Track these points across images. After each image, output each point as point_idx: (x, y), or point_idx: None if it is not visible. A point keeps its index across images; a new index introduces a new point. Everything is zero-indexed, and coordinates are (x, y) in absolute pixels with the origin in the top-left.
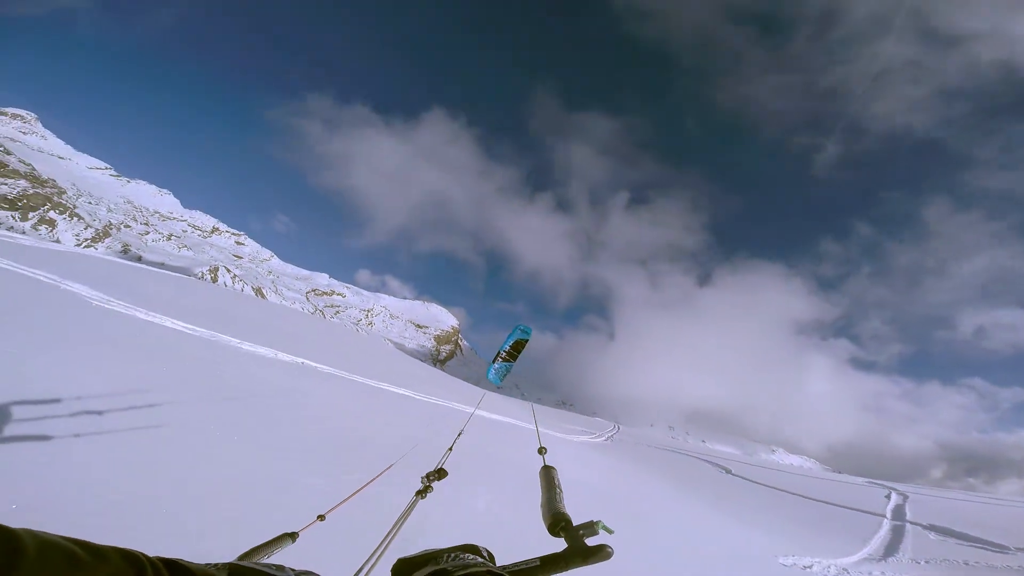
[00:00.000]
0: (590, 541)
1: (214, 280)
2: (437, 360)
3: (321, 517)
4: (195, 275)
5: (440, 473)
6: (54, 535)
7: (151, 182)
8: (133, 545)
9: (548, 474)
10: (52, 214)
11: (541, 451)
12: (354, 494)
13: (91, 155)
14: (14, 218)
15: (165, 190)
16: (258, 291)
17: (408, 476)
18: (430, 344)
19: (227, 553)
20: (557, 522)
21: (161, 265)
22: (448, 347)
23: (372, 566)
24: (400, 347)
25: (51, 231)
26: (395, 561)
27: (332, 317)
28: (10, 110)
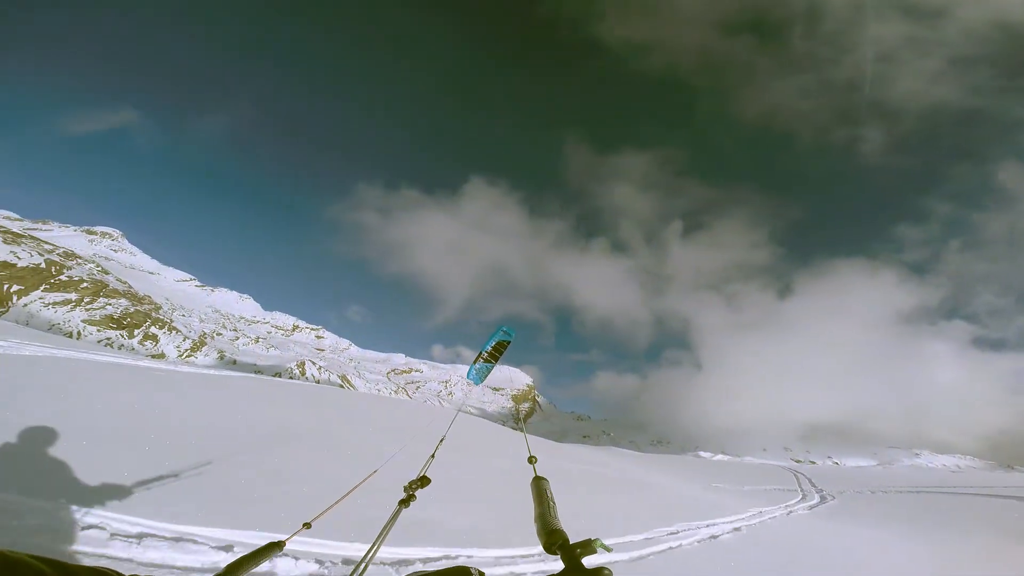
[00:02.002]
0: (588, 560)
1: (302, 373)
2: (518, 419)
3: (307, 525)
4: (286, 370)
5: (423, 481)
6: (20, 552)
7: (232, 288)
8: None
9: (539, 486)
10: (153, 329)
11: (531, 460)
12: (338, 501)
13: (176, 268)
14: (122, 336)
15: (246, 295)
16: (343, 378)
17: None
18: (509, 404)
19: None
20: (553, 540)
21: (254, 365)
22: (527, 405)
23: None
24: (482, 411)
25: (155, 345)
26: None
27: (414, 393)
28: (99, 228)
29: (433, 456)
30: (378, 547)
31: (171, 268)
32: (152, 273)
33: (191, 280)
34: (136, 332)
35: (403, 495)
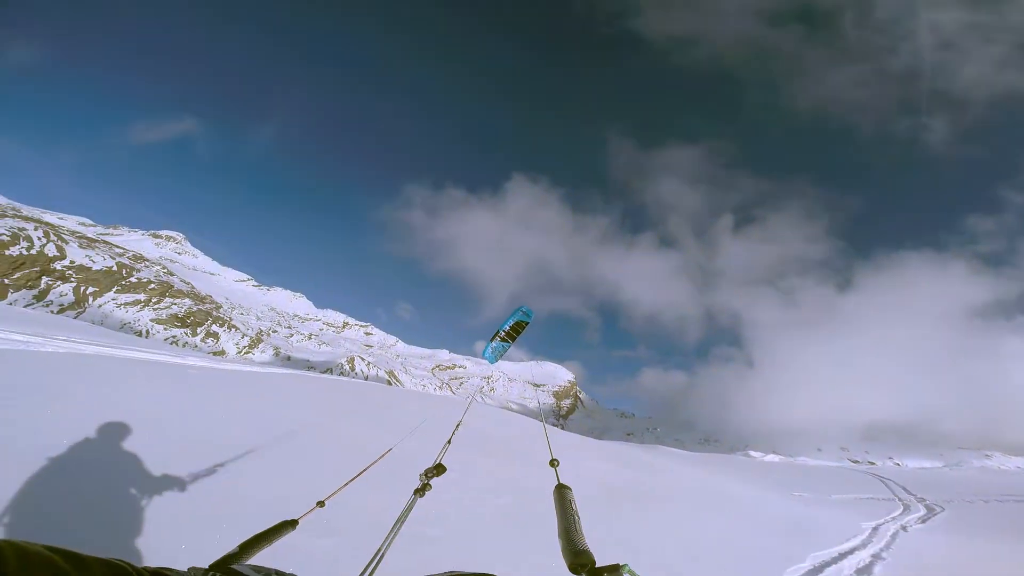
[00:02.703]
0: None
1: (352, 369)
2: (559, 416)
3: (321, 503)
4: (337, 366)
5: (439, 469)
6: (35, 544)
7: (286, 288)
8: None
9: (563, 496)
10: (214, 327)
11: (553, 463)
12: (352, 480)
13: (235, 268)
14: (186, 334)
15: (299, 293)
16: (390, 373)
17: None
18: (550, 401)
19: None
20: (580, 561)
21: (307, 362)
22: (568, 401)
23: (374, 568)
24: (523, 407)
25: (216, 342)
26: None
27: (457, 389)
28: (164, 232)
29: (449, 442)
30: (393, 537)
31: (230, 269)
32: (213, 274)
33: (248, 280)
34: (199, 330)
35: (419, 483)
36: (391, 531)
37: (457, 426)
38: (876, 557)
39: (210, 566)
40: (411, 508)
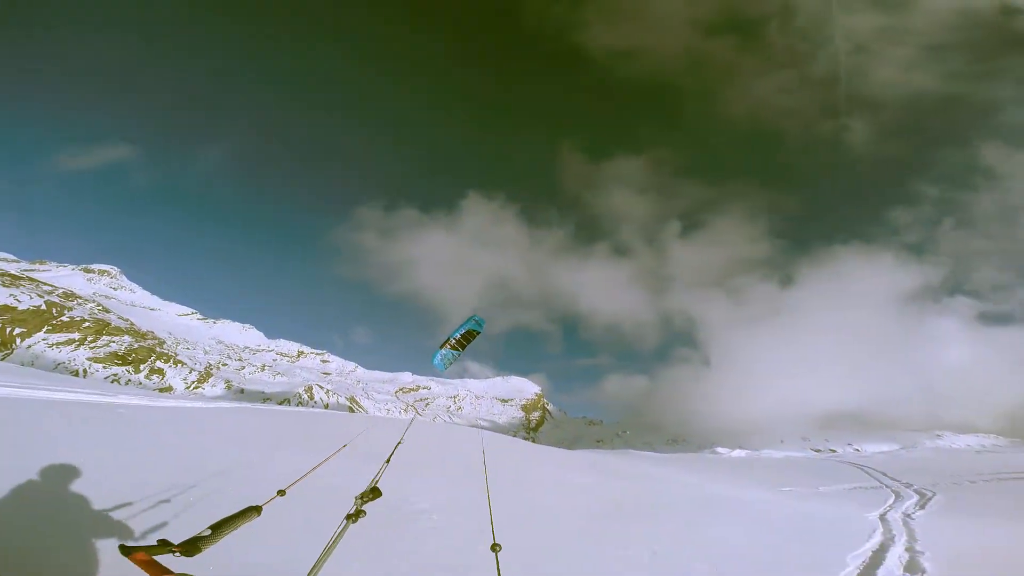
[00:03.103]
0: None
1: (311, 398)
2: (529, 429)
3: (281, 492)
4: (295, 395)
5: (375, 493)
6: None
7: (234, 320)
8: None
9: None
10: (159, 363)
11: (495, 548)
12: (312, 470)
13: (177, 302)
14: (129, 372)
15: (248, 325)
16: (352, 400)
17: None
18: (520, 415)
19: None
20: None
21: (261, 393)
22: (537, 414)
23: None
24: (493, 423)
25: (162, 378)
26: None
27: (423, 410)
28: (96, 266)
29: (388, 461)
30: (321, 565)
31: (172, 303)
32: (153, 309)
33: (193, 314)
34: (142, 367)
35: (352, 509)
36: (320, 558)
37: (397, 445)
38: (912, 551)
39: (179, 544)
40: (343, 534)
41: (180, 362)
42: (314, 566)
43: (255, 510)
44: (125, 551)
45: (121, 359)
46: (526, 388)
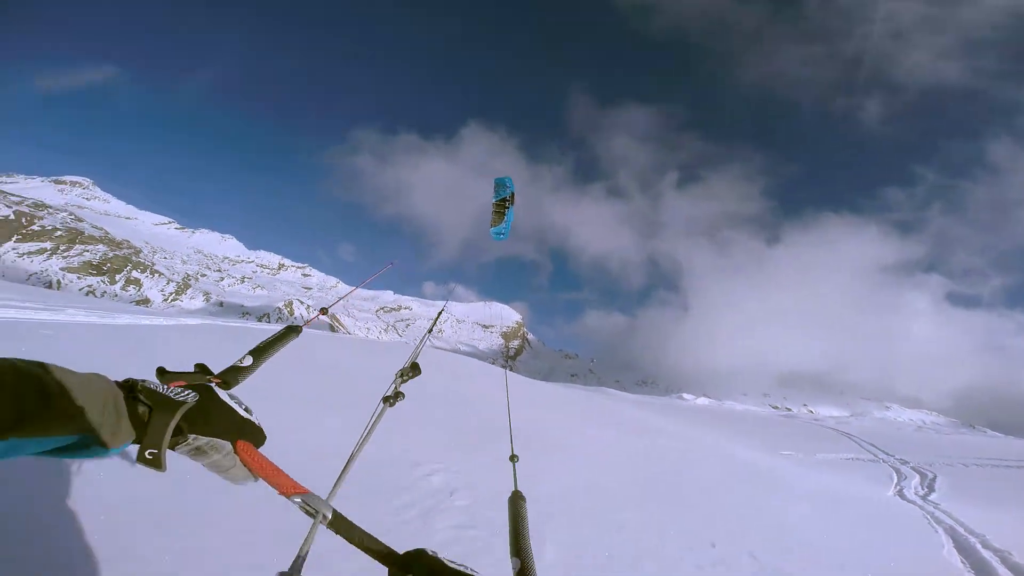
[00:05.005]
0: None
1: (291, 313)
2: (508, 357)
3: (324, 311)
4: (275, 310)
5: (415, 369)
6: (27, 361)
7: (213, 229)
8: None
9: (516, 507)
10: (135, 273)
11: (513, 459)
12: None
13: (153, 212)
14: (104, 282)
15: (228, 235)
16: (333, 317)
17: None
18: (499, 342)
19: None
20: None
21: (241, 307)
22: (516, 342)
23: (341, 479)
24: (474, 348)
25: (139, 290)
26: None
27: (404, 331)
28: (68, 178)
29: (422, 343)
30: (360, 448)
31: (148, 212)
32: (128, 218)
33: (170, 223)
34: (117, 277)
35: (390, 390)
36: (360, 440)
37: (429, 330)
38: (991, 548)
39: (218, 374)
40: (380, 417)
41: (157, 272)
42: (357, 443)
43: (295, 330)
44: (161, 373)
45: (96, 268)
46: (507, 316)
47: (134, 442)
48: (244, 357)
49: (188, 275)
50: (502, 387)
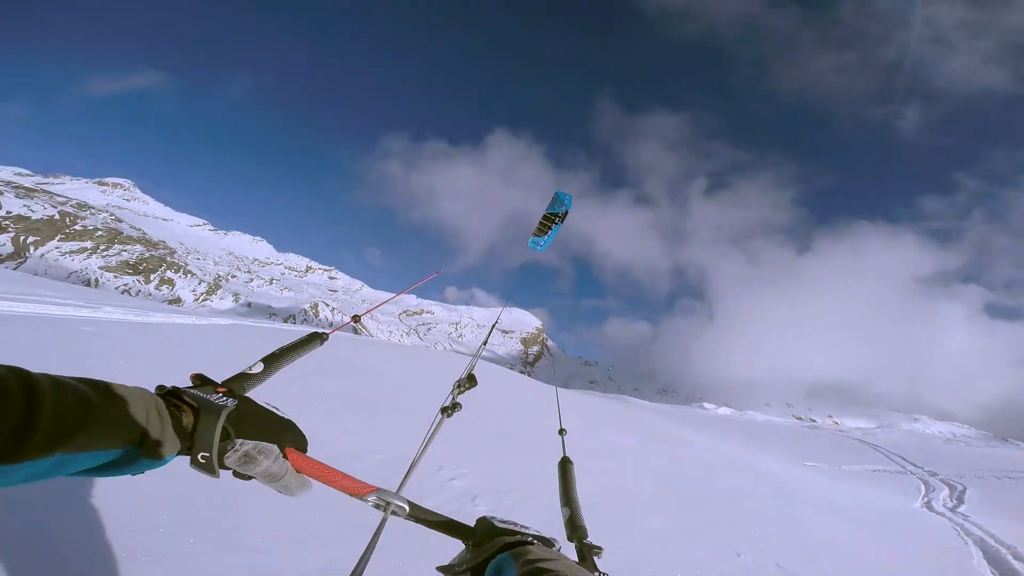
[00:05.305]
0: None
1: (316, 315)
2: (527, 363)
3: (356, 318)
4: (300, 312)
5: (471, 380)
6: (67, 377)
7: (245, 231)
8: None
9: (565, 469)
10: (169, 273)
11: (561, 433)
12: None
13: (189, 213)
14: (139, 282)
15: (259, 237)
16: (356, 319)
17: None
18: (519, 347)
19: None
20: (578, 535)
21: (268, 308)
22: (536, 348)
23: (405, 481)
24: (493, 353)
25: (171, 289)
26: (479, 517)
27: (425, 335)
28: (110, 180)
29: (477, 356)
30: (419, 457)
31: (184, 214)
32: (165, 220)
33: (204, 224)
34: (152, 277)
35: (447, 401)
36: (419, 450)
37: (484, 343)
38: (1017, 557)
39: (223, 383)
40: (438, 428)
41: (190, 272)
42: (418, 451)
43: (320, 337)
44: (163, 391)
45: (132, 268)
46: (528, 321)
47: (180, 452)
48: (255, 364)
49: (219, 276)
50: (525, 393)
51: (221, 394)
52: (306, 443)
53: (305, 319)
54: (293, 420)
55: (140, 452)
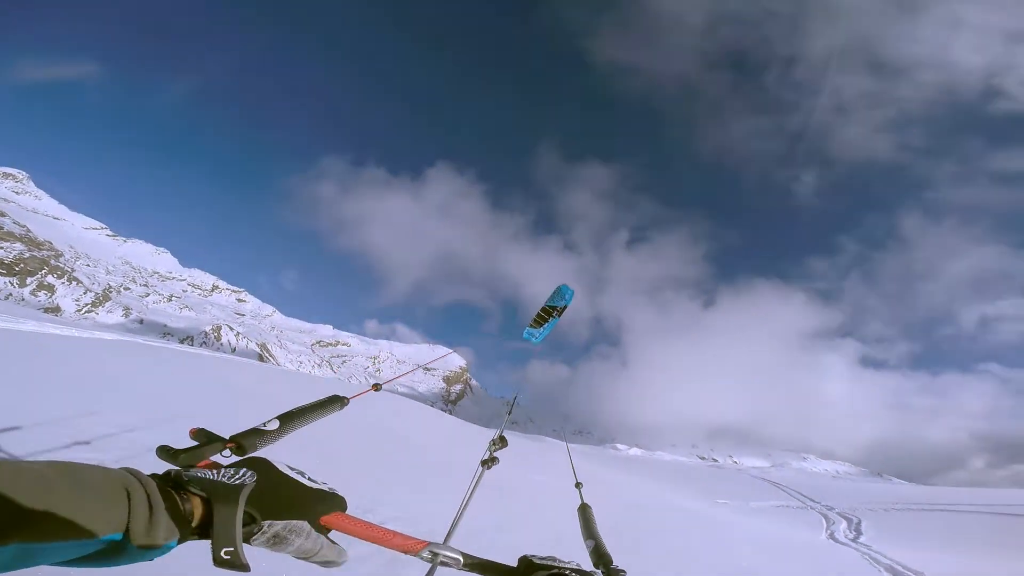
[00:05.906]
0: None
1: (217, 339)
2: (448, 401)
3: (376, 387)
4: (200, 334)
5: (502, 440)
6: (32, 461)
7: (148, 241)
8: None
9: (586, 513)
10: (50, 279)
11: (578, 486)
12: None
13: (86, 215)
14: (12, 284)
15: (163, 249)
16: (263, 347)
17: None
18: (441, 386)
19: None
20: (604, 561)
21: (163, 327)
22: (459, 387)
23: (451, 533)
24: (412, 390)
25: (50, 296)
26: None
27: (339, 367)
28: (1, 169)
29: (509, 414)
30: (463, 509)
31: (80, 214)
32: (57, 219)
33: (102, 228)
34: (29, 280)
35: (486, 455)
36: (463, 502)
37: (513, 402)
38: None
39: (232, 438)
40: (479, 479)
41: (76, 279)
42: (460, 507)
43: (341, 400)
44: (168, 454)
45: (7, 268)
46: (451, 360)
47: (187, 539)
48: (270, 421)
49: (110, 286)
50: (433, 427)
51: (230, 451)
52: (345, 505)
53: (204, 342)
54: (326, 486)
55: (129, 541)
